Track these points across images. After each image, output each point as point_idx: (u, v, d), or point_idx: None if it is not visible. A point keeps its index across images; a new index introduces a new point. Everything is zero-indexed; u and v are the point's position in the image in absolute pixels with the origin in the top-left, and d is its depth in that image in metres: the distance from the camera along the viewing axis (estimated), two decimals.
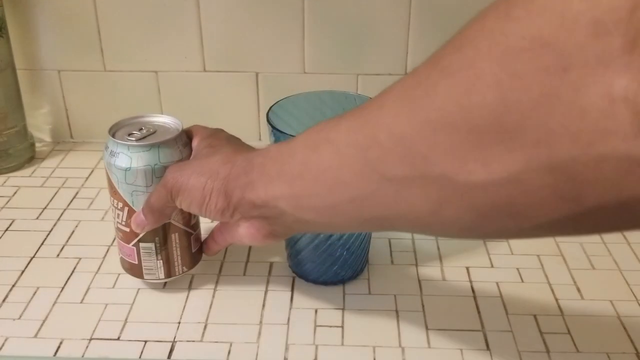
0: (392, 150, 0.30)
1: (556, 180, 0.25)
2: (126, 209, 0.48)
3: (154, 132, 0.49)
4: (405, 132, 0.29)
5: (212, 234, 0.51)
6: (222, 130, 0.50)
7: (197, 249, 0.52)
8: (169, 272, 0.51)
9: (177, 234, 0.50)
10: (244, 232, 0.43)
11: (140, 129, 0.49)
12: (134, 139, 0.48)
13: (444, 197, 0.29)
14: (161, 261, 0.50)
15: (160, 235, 0.49)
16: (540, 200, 0.26)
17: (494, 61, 0.26)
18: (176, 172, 0.45)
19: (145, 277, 0.51)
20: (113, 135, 0.48)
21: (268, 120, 0.50)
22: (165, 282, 0.53)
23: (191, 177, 0.44)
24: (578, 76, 0.23)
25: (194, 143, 0.49)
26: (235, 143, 0.48)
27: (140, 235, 0.49)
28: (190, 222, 0.51)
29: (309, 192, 0.36)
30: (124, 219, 0.49)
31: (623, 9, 0.22)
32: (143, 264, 0.50)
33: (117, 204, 0.49)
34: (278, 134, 0.48)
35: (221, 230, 0.49)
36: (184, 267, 0.52)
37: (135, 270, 0.51)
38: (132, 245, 0.50)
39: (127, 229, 0.49)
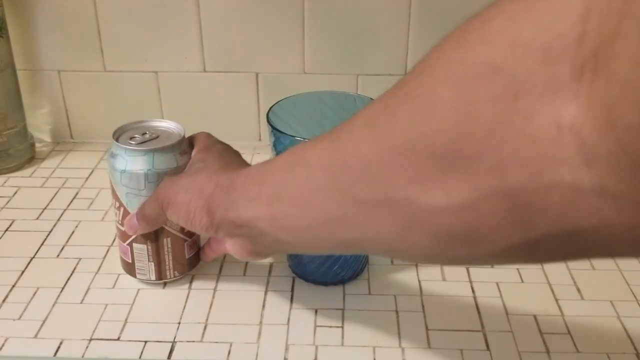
0: (359, 174, 0.30)
1: (508, 207, 0.25)
2: (122, 208, 0.50)
3: (156, 138, 0.50)
4: (371, 157, 0.30)
5: (209, 241, 0.51)
6: (219, 143, 0.51)
7: (191, 255, 0.53)
8: (159, 275, 0.52)
9: (169, 239, 0.50)
10: (230, 248, 0.44)
11: (144, 134, 0.50)
12: (134, 142, 0.49)
13: (408, 221, 0.29)
14: (152, 263, 0.51)
15: (153, 239, 0.50)
16: (495, 226, 0.26)
17: (450, 87, 0.26)
18: (168, 186, 0.46)
19: (138, 276, 0.52)
20: (116, 138, 0.49)
21: (268, 121, 0.50)
22: (165, 283, 0.53)
23: (179, 193, 0.44)
24: (528, 103, 0.23)
25: (192, 154, 0.50)
26: (227, 158, 0.48)
27: (134, 235, 0.50)
28: (185, 228, 0.51)
29: (285, 213, 0.36)
30: (120, 218, 0.50)
31: (572, 35, 0.22)
32: (136, 263, 0.52)
33: (115, 203, 0.50)
34: (278, 134, 0.48)
35: (216, 239, 0.49)
36: (176, 272, 0.52)
37: (129, 268, 0.52)
38: (127, 245, 0.51)
39: (123, 228, 0.51)
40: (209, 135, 0.52)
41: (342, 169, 0.31)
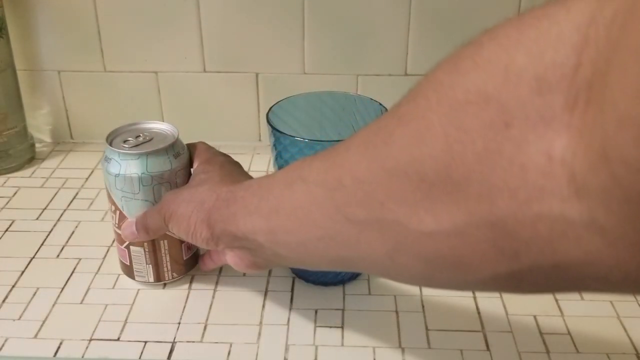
0: (354, 193, 0.31)
1: (496, 235, 0.25)
2: (118, 212, 0.50)
3: (150, 140, 0.49)
4: (365, 177, 0.30)
5: (209, 251, 0.51)
6: (220, 155, 0.51)
7: (189, 256, 0.53)
8: (158, 277, 0.52)
9: (167, 241, 0.50)
10: (230, 260, 0.44)
11: (137, 136, 0.50)
12: (127, 146, 0.48)
13: (398, 243, 0.29)
14: (150, 265, 0.51)
15: (149, 241, 0.50)
16: (482, 254, 0.26)
17: (442, 113, 0.26)
18: (171, 199, 0.46)
19: (136, 278, 0.52)
20: (110, 141, 0.49)
21: (268, 121, 0.50)
22: (165, 283, 0.53)
23: (180, 206, 0.45)
24: (519, 132, 0.23)
25: (193, 166, 0.50)
26: (228, 171, 0.48)
27: None
28: None
29: (283, 227, 0.36)
30: (117, 222, 0.50)
31: (567, 66, 0.22)
32: (134, 266, 0.52)
33: (111, 207, 0.50)
34: (278, 135, 0.48)
35: (217, 250, 0.49)
36: (174, 273, 0.52)
37: (127, 270, 0.52)
38: (124, 247, 0.51)
39: (120, 232, 0.50)
40: (208, 147, 0.52)
41: (337, 187, 0.32)
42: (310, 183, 0.34)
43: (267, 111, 0.51)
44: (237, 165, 0.50)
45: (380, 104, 0.52)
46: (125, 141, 0.49)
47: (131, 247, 0.51)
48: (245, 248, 0.41)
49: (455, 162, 0.25)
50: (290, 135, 0.48)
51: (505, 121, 0.23)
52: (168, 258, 0.51)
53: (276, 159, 0.50)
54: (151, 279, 0.52)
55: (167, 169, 0.48)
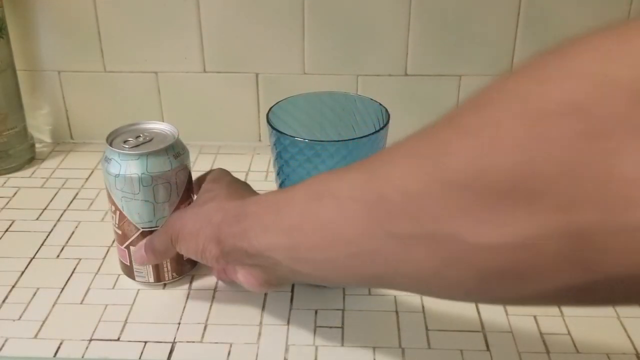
0: (400, 207, 0.29)
1: (573, 246, 0.24)
2: (118, 212, 0.50)
3: (150, 140, 0.49)
4: (416, 191, 0.29)
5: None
6: (229, 175, 0.50)
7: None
8: (158, 277, 0.52)
9: None
10: (242, 278, 0.42)
11: (137, 137, 0.50)
12: (127, 146, 0.48)
13: (450, 257, 0.28)
14: (150, 266, 0.51)
15: None
16: (552, 266, 0.25)
17: (520, 123, 0.25)
18: (176, 218, 0.45)
19: (137, 278, 0.52)
20: (110, 142, 0.49)
21: (268, 121, 0.50)
22: (165, 283, 0.53)
23: (187, 225, 0.44)
24: (612, 144, 0.22)
25: (201, 187, 0.49)
26: (235, 188, 0.47)
27: (131, 239, 0.50)
28: None
29: (307, 244, 0.35)
30: (117, 222, 0.50)
31: None
32: (134, 266, 0.52)
33: (111, 207, 0.50)
34: (278, 135, 0.48)
35: (228, 267, 0.46)
36: (174, 274, 0.52)
37: (128, 271, 0.52)
38: (124, 247, 0.51)
39: (120, 232, 0.51)
40: (221, 170, 0.51)
41: (379, 202, 0.30)
42: (342, 197, 0.32)
43: (267, 111, 0.51)
44: (246, 184, 0.50)
45: (380, 104, 0.52)
46: (125, 141, 0.49)
47: (131, 248, 0.51)
48: (258, 265, 0.40)
49: (532, 174, 0.24)
50: (290, 136, 0.48)
51: (597, 132, 0.23)
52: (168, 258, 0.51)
53: (276, 159, 0.50)
54: (151, 279, 0.52)
55: (167, 169, 0.48)
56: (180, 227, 0.44)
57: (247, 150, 0.75)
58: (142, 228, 0.50)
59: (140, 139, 0.49)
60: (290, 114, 0.53)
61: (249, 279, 0.42)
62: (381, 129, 0.49)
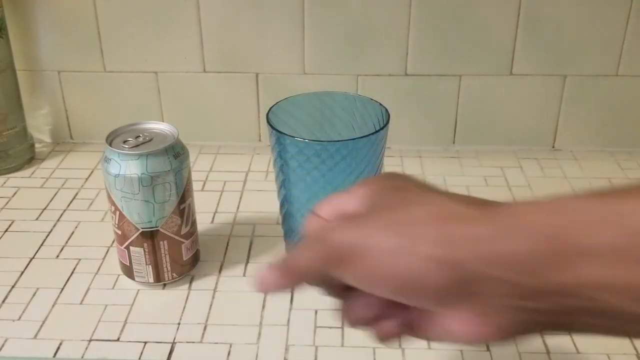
0: None
1: None
2: (118, 212, 0.50)
3: (150, 140, 0.49)
4: None
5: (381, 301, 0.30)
6: (408, 176, 0.33)
7: (189, 256, 0.53)
8: (158, 277, 0.52)
9: (166, 242, 0.50)
10: (459, 329, 0.29)
11: (137, 137, 0.50)
12: (127, 146, 0.48)
13: None
14: (150, 266, 0.51)
15: (149, 242, 0.50)
16: None
17: None
18: (350, 229, 0.29)
19: (136, 279, 0.52)
20: (110, 142, 0.49)
21: (268, 121, 0.50)
22: (165, 283, 0.53)
23: (375, 235, 0.28)
24: None
25: (359, 193, 0.31)
26: (434, 189, 0.31)
27: (131, 239, 0.50)
28: (181, 231, 0.51)
29: None
30: (117, 222, 0.50)
31: None
32: (134, 266, 0.51)
33: (111, 207, 0.50)
34: (278, 135, 0.48)
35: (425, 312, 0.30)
36: (174, 274, 0.52)
37: (127, 271, 0.52)
38: (124, 248, 0.51)
39: (120, 232, 0.50)
40: (395, 172, 0.34)
41: None
42: None
43: (267, 111, 0.51)
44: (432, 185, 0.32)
45: (380, 104, 0.51)
46: (125, 141, 0.49)
47: (131, 248, 0.51)
48: (536, 311, 0.26)
49: None
50: (290, 135, 0.48)
51: None
52: (168, 258, 0.51)
53: (276, 159, 0.50)
54: (151, 280, 0.52)
55: (167, 170, 0.48)
56: (363, 241, 0.28)
57: (247, 150, 0.75)
58: (142, 228, 0.50)
59: (140, 139, 0.49)
60: (290, 114, 0.53)
61: (485, 330, 0.28)
62: (381, 129, 0.49)
